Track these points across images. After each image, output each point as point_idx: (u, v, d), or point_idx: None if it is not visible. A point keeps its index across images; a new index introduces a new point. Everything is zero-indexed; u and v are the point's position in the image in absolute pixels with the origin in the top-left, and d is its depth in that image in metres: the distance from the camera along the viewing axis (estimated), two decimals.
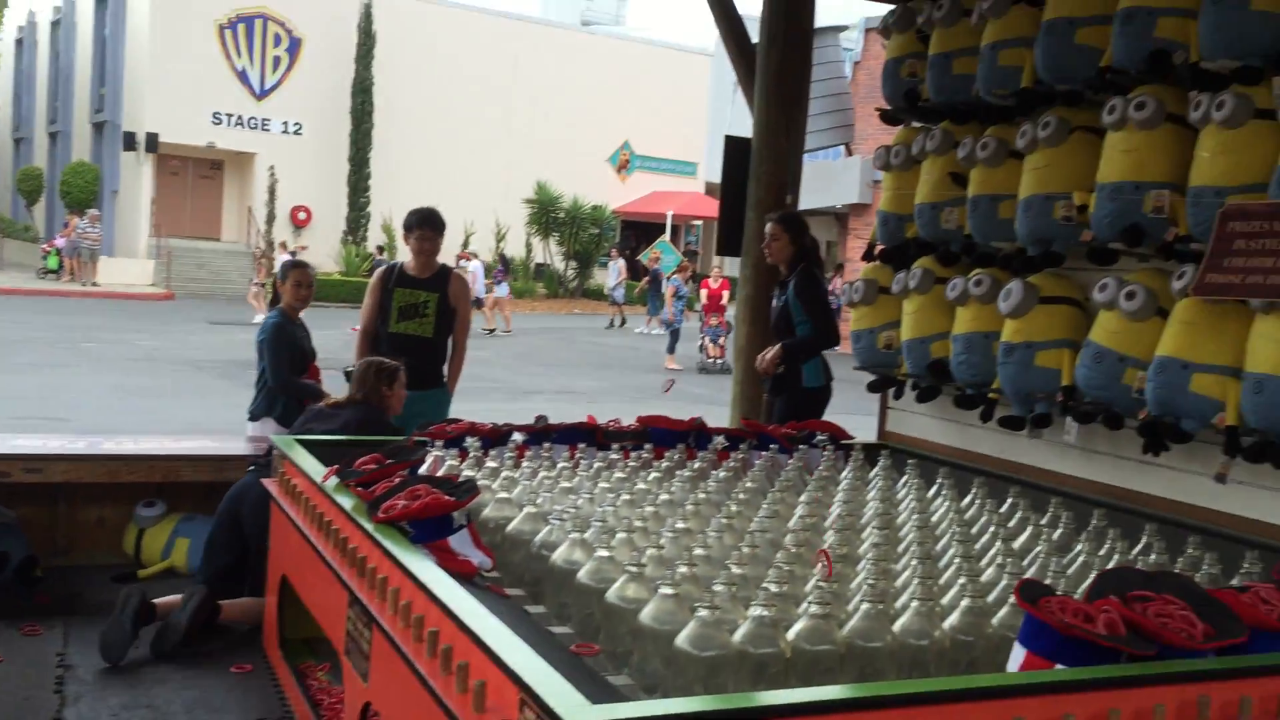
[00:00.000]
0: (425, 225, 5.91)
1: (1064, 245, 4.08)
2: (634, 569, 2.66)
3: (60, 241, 28.84)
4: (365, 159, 31.52)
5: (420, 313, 5.85)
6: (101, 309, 22.71)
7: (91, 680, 4.01)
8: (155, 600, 4.35)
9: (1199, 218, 3.51)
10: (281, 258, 21.76)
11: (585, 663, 2.56)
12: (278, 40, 31.17)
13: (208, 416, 10.73)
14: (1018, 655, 2.32)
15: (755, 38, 6.45)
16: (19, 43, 37.71)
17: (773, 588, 2.51)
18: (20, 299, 23.62)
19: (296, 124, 31.49)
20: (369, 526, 3.07)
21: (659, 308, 24.89)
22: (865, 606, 2.49)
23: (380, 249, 27.75)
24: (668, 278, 21.83)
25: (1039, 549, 3.16)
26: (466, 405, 6.28)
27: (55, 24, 35.49)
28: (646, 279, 25.62)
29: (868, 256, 5.18)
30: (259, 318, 21.96)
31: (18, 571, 4.84)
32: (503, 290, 23.56)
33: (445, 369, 6.02)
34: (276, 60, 31.25)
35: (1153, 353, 3.60)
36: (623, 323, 25.90)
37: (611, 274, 27.44)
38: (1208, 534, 3.45)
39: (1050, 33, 4.07)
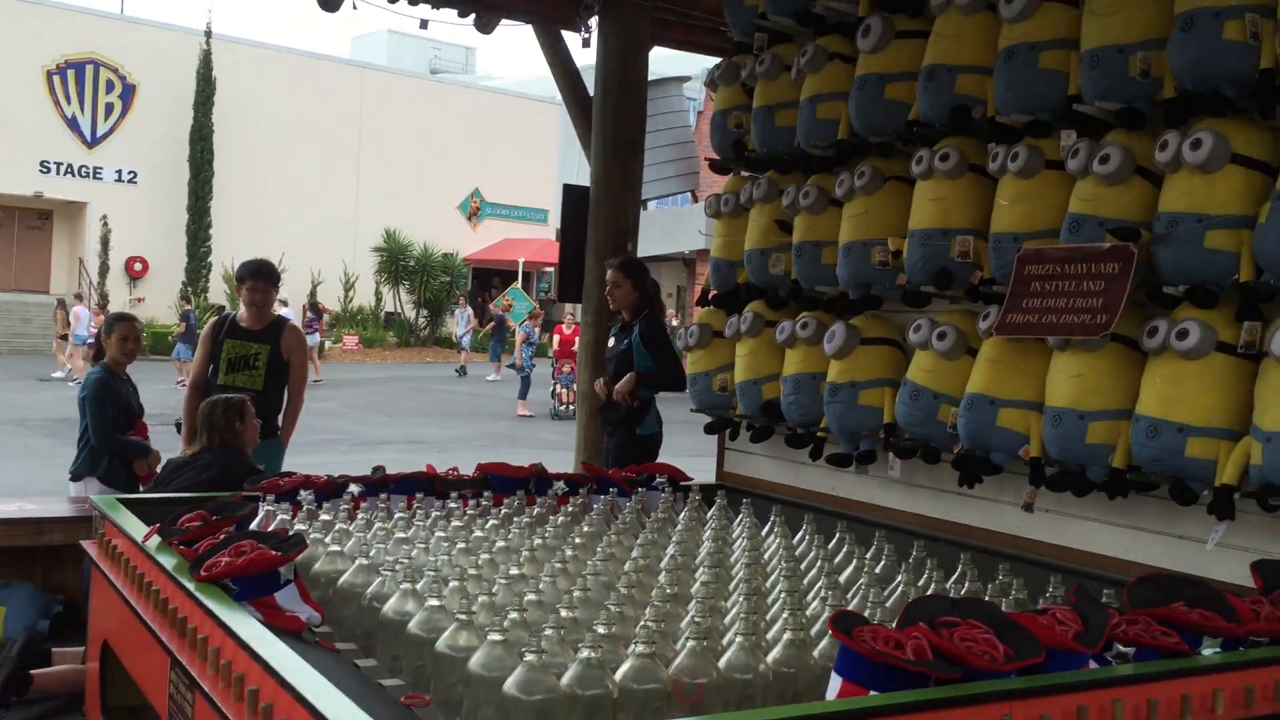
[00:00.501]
0: (257, 276, 5.84)
1: (882, 289, 4.27)
2: (464, 617, 2.66)
3: None
4: (205, 208, 30.71)
5: (250, 365, 5.77)
6: None
7: None
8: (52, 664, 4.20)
9: (1000, 261, 3.72)
10: (75, 309, 20.99)
11: (416, 714, 2.55)
12: (110, 86, 30.20)
13: (33, 477, 10.23)
14: (835, 684, 2.41)
15: (592, 89, 6.58)
16: None
17: (600, 629, 2.54)
18: None
19: (131, 172, 30.50)
20: (190, 586, 3.00)
21: (501, 352, 24.85)
22: (690, 644, 2.55)
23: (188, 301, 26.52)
24: (519, 324, 21.84)
25: (862, 581, 3.27)
26: (310, 458, 6.17)
27: None
28: (491, 324, 25.60)
29: (702, 301, 5.31)
30: (59, 373, 21.09)
31: None
32: (313, 339, 23.17)
33: (280, 419, 5.92)
34: (109, 107, 30.26)
35: (964, 389, 3.79)
36: (463, 371, 25.73)
37: (460, 321, 27.34)
38: (1018, 560, 3.64)
39: (862, 88, 4.27)
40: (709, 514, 4.23)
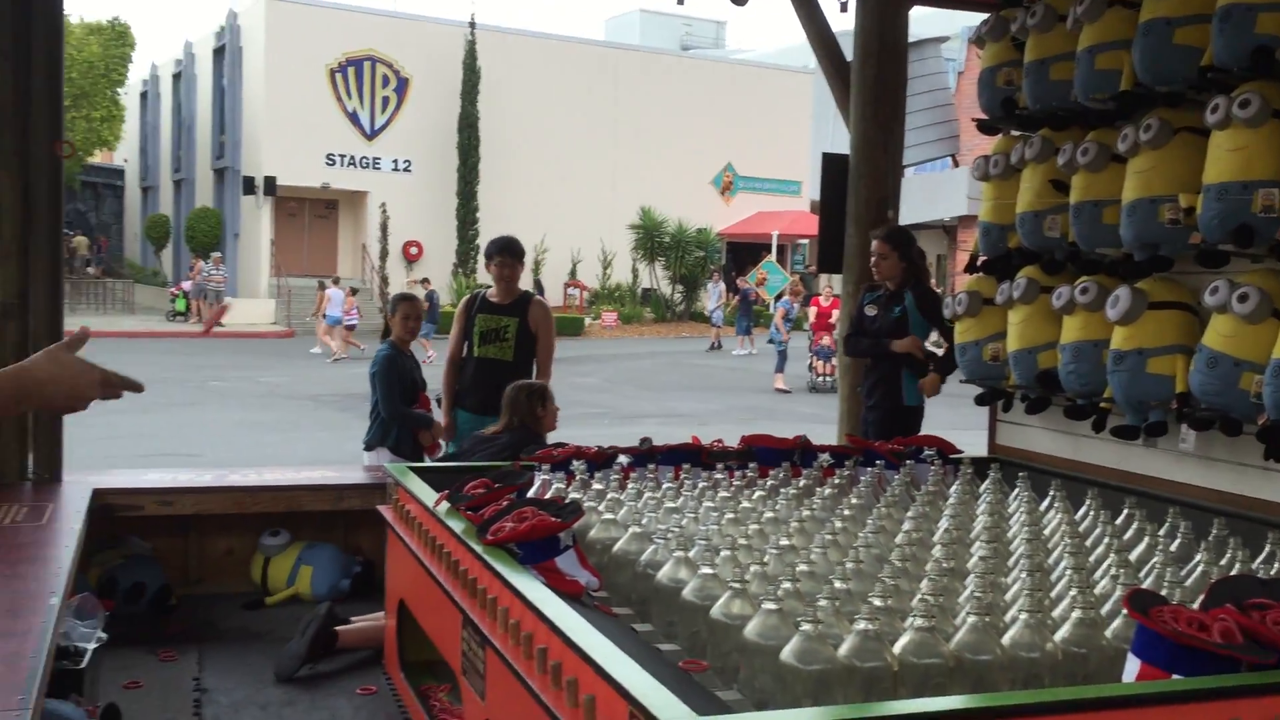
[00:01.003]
0: (504, 253, 6.11)
1: (1172, 249, 3.99)
2: (738, 586, 2.69)
3: (187, 285, 30.06)
4: (473, 192, 32.18)
5: (501, 337, 6.03)
6: (226, 348, 23.58)
7: (227, 704, 4.18)
8: (353, 621, 4.63)
9: None
10: (328, 290, 22.37)
11: (694, 679, 2.60)
12: (386, 81, 32.10)
13: (328, 448, 11.06)
14: (1132, 667, 2.28)
15: (850, 54, 6.46)
16: (144, 96, 39.49)
17: (877, 601, 2.51)
18: (150, 341, 24.66)
19: (406, 161, 32.33)
20: (479, 549, 3.16)
21: (748, 328, 24.82)
22: (971, 620, 2.48)
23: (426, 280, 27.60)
24: (776, 299, 21.75)
25: (1155, 560, 3.09)
26: (575, 431, 6.37)
27: (176, 76, 37.10)
28: (736, 299, 25.63)
29: (970, 268, 5.13)
30: (316, 349, 22.59)
31: (154, 600, 5.08)
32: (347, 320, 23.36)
33: None
34: (385, 100, 32.17)
35: (1269, 356, 3.50)
36: (718, 345, 25.88)
37: (712, 296, 27.49)
38: None
39: (1148, 34, 3.99)
40: (982, 487, 4.09)
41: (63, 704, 3.46)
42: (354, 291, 23.29)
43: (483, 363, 6.03)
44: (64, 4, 5.19)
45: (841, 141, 6.63)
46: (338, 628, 4.61)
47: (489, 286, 6.31)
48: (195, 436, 12.07)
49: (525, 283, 6.33)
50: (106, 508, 4.88)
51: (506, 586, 2.86)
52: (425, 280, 26.28)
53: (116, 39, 31.48)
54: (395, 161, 32.30)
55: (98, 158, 37.52)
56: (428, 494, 3.88)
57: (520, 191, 32.51)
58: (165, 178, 38.55)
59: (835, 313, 18.51)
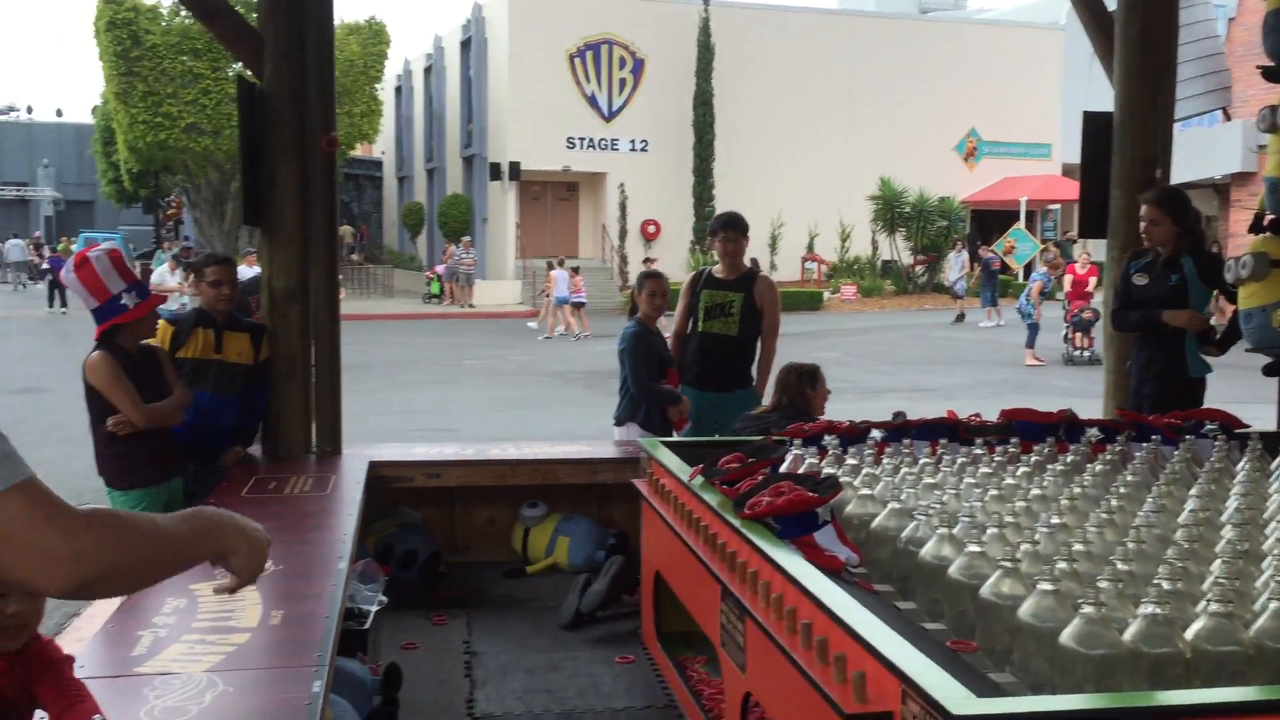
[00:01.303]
0: (729, 228, 6.08)
1: None
2: (1009, 564, 2.59)
3: (440, 268, 31.58)
4: (709, 169, 32.31)
5: (726, 312, 6.01)
6: (478, 328, 24.64)
7: (495, 667, 4.38)
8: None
9: None
10: (554, 272, 22.91)
11: (963, 659, 2.52)
12: (623, 63, 32.61)
13: (576, 423, 11.39)
14: None
15: (1112, 5, 6.07)
16: (398, 90, 41.63)
17: (1165, 584, 2.37)
18: (409, 322, 26.06)
19: (643, 141, 32.79)
20: (736, 523, 3.18)
21: (993, 298, 23.81)
22: (1274, 605, 2.30)
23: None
24: (1025, 269, 20.78)
25: None
26: None
27: (428, 70, 38.91)
28: (979, 269, 24.62)
29: (1255, 228, 4.75)
30: (532, 324, 23.20)
31: (424, 567, 5.37)
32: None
33: (753, 370, 6.13)
34: (622, 82, 32.69)
35: None
36: (961, 317, 24.99)
37: (954, 267, 26.54)
38: None
39: None
40: (1274, 465, 3.78)
41: (351, 662, 3.71)
42: (576, 271, 23.88)
43: (707, 338, 6.03)
44: (333, 6, 5.51)
45: (1098, 99, 6.25)
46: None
47: (716, 263, 6.31)
48: (453, 412, 12.68)
49: (755, 257, 6.28)
50: (381, 479, 5.19)
51: (767, 560, 2.86)
52: (648, 259, 26.64)
53: (373, 37, 33.28)
54: (633, 142, 32.81)
55: (358, 151, 39.83)
56: (681, 468, 3.93)
57: (756, 166, 32.40)
58: (419, 167, 40.54)
59: (1092, 280, 17.58)
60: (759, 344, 6.12)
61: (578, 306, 23.18)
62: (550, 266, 24.15)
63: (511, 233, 32.47)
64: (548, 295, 23.45)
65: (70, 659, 2.29)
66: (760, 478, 3.44)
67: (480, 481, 5.47)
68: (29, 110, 65.10)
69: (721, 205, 31.46)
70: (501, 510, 5.77)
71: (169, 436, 4.65)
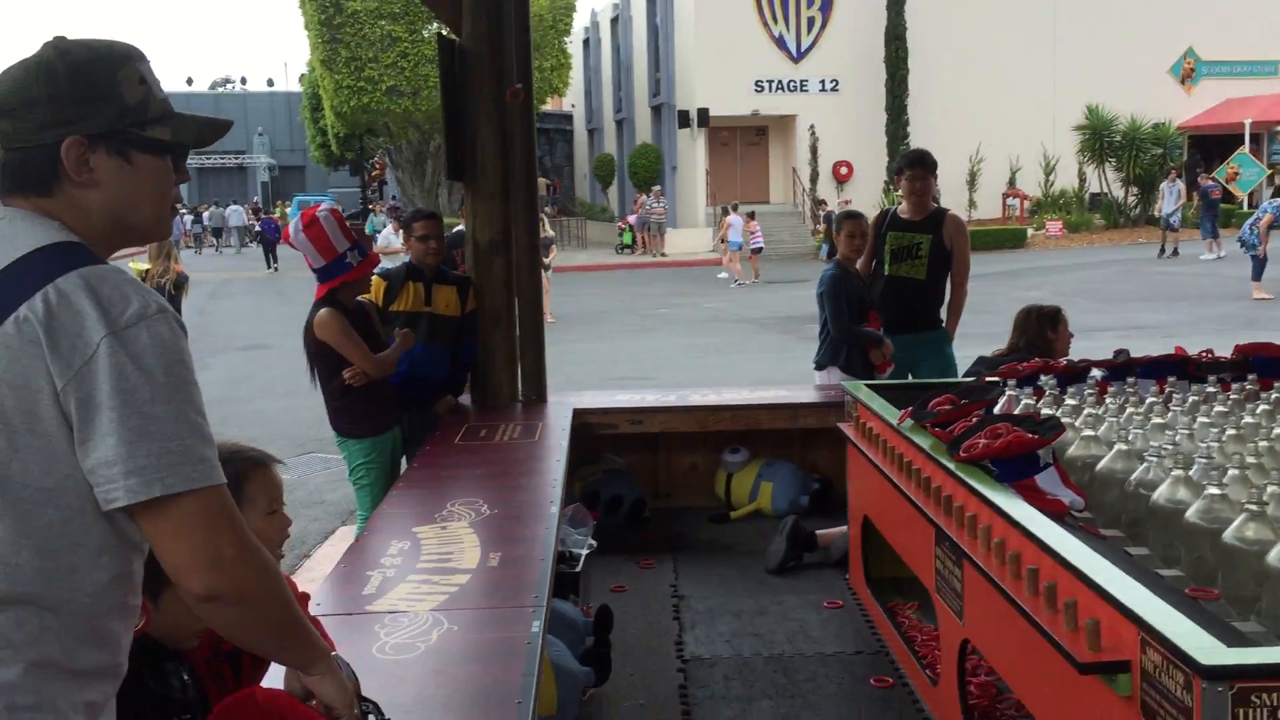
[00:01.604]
0: (915, 166, 5.83)
1: None
2: (1254, 508, 2.41)
3: (631, 218, 31.84)
4: (902, 106, 31.35)
5: (913, 255, 5.78)
6: (670, 277, 24.76)
7: (702, 610, 4.41)
8: (818, 531, 4.87)
9: None
10: (729, 218, 22.65)
11: (1204, 607, 2.38)
12: (810, 2, 31.89)
13: (773, 369, 11.32)
14: None
15: None
16: (585, 43, 41.95)
17: None
18: (603, 274, 26.42)
19: (833, 81, 32.07)
20: (951, 465, 3.08)
21: (1213, 229, 22.27)
22: None
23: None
24: (1249, 196, 19.36)
25: None
26: None
27: (614, 21, 39.03)
28: (1197, 200, 23.03)
29: None
30: (723, 274, 23.00)
31: (630, 512, 5.45)
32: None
33: (943, 312, 5.89)
34: (810, 21, 31.99)
35: None
36: (1174, 252, 23.49)
37: (1169, 198, 24.90)
38: None
39: None
40: None
41: (564, 603, 3.80)
42: (752, 216, 23.64)
43: (894, 281, 5.82)
44: None
45: None
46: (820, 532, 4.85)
47: (899, 204, 6.08)
48: (649, 360, 12.79)
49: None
50: (586, 426, 5.28)
51: (986, 504, 2.77)
52: (823, 202, 26.10)
53: None
54: (822, 82, 32.12)
55: (549, 105, 40.41)
56: (889, 411, 3.84)
57: (952, 101, 31.23)
58: (608, 118, 40.84)
59: None
60: (948, 285, 5.90)
61: (755, 252, 23.04)
62: (725, 212, 24.06)
63: (701, 180, 32.39)
64: (724, 241, 23.36)
65: (306, 596, 2.41)
66: (975, 420, 3.32)
67: (683, 428, 5.49)
68: (243, 81, 69.05)
69: (916, 143, 30.51)
70: (704, 456, 5.79)
71: (389, 388, 4.84)
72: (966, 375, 4.85)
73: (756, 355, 12.92)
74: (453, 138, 5.26)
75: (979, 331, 9.27)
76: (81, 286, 1.38)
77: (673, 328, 15.92)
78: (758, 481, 5.59)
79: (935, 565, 3.23)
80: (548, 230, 17.67)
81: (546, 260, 17.21)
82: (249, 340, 15.58)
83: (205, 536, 1.40)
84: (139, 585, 1.53)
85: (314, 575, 5.20)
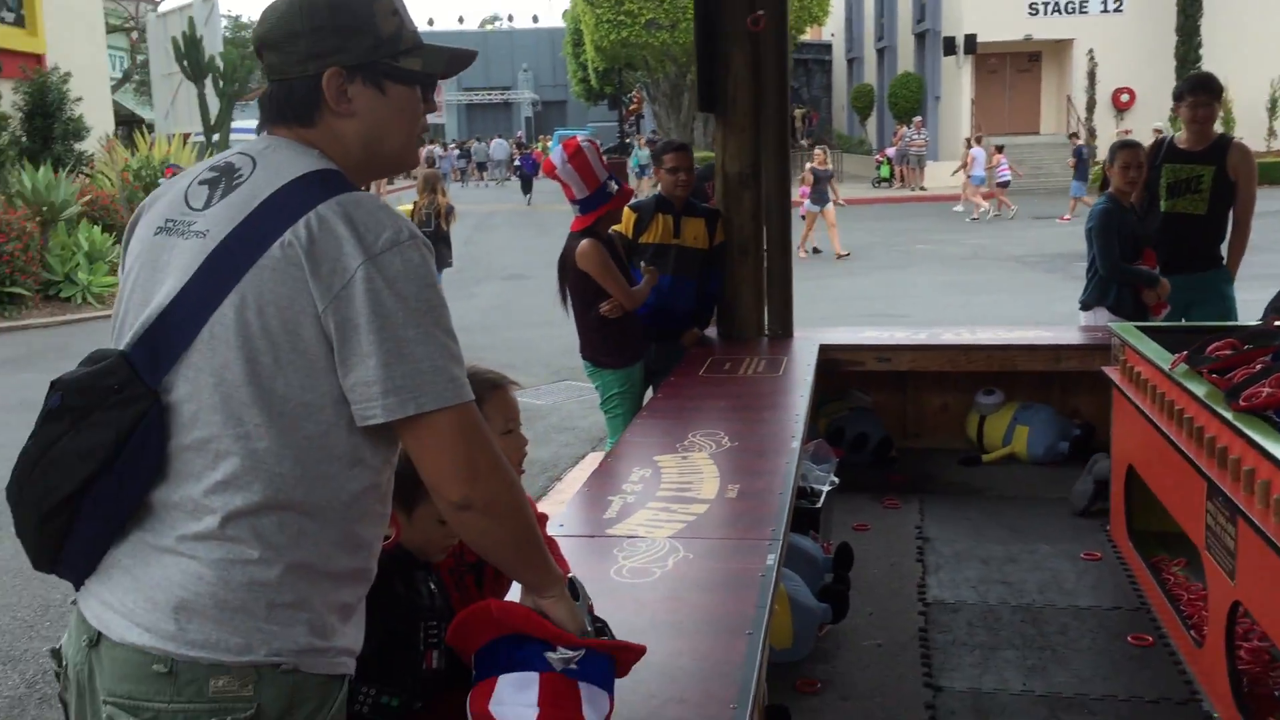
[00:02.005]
0: (1198, 90, 5.29)
1: None
2: None
3: (890, 151, 30.94)
4: (1194, 27, 28.88)
5: (1193, 188, 5.26)
6: (929, 211, 23.95)
7: (948, 554, 4.29)
8: None
9: None
10: (972, 150, 21.39)
11: None
12: None
13: (1036, 309, 10.79)
14: None
15: None
16: None
17: None
18: (859, 207, 25.79)
19: (1116, 1, 29.89)
20: (1228, 415, 2.84)
21: None
22: None
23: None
24: None
25: None
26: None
27: None
28: None
29: None
30: (958, 207, 21.80)
31: (876, 451, 5.34)
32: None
33: (1223, 249, 5.36)
34: None
35: None
36: None
37: None
38: None
39: None
40: None
41: (804, 539, 3.78)
42: (1000, 149, 22.43)
43: (1171, 218, 5.32)
44: None
45: None
46: None
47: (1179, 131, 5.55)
48: (903, 298, 12.46)
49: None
50: (831, 362, 5.19)
51: (1267, 458, 2.54)
52: (1074, 135, 24.34)
53: None
54: (1104, 3, 29.99)
55: (807, 35, 39.61)
56: (1161, 355, 3.58)
57: (1252, 20, 28.51)
58: (868, 47, 39.67)
59: None
60: (1229, 220, 5.39)
61: (1001, 185, 21.95)
62: (968, 145, 23.00)
63: (966, 110, 31.03)
64: (966, 173, 22.34)
65: (544, 517, 2.49)
66: (1259, 367, 3.05)
67: (932, 367, 5.31)
68: (510, 19, 71.31)
69: (1209, 66, 28.11)
70: (956, 396, 5.59)
71: (638, 320, 4.89)
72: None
73: (1019, 294, 12.36)
74: (704, 68, 5.22)
75: (1264, 272, 8.52)
76: (339, 213, 1.44)
77: (930, 264, 15.42)
78: (1013, 425, 5.35)
79: (1206, 521, 3.00)
80: (827, 164, 17.42)
81: (831, 195, 16.99)
82: (510, 270, 16.21)
83: (461, 449, 1.46)
84: (388, 496, 1.61)
85: (563, 498, 5.38)
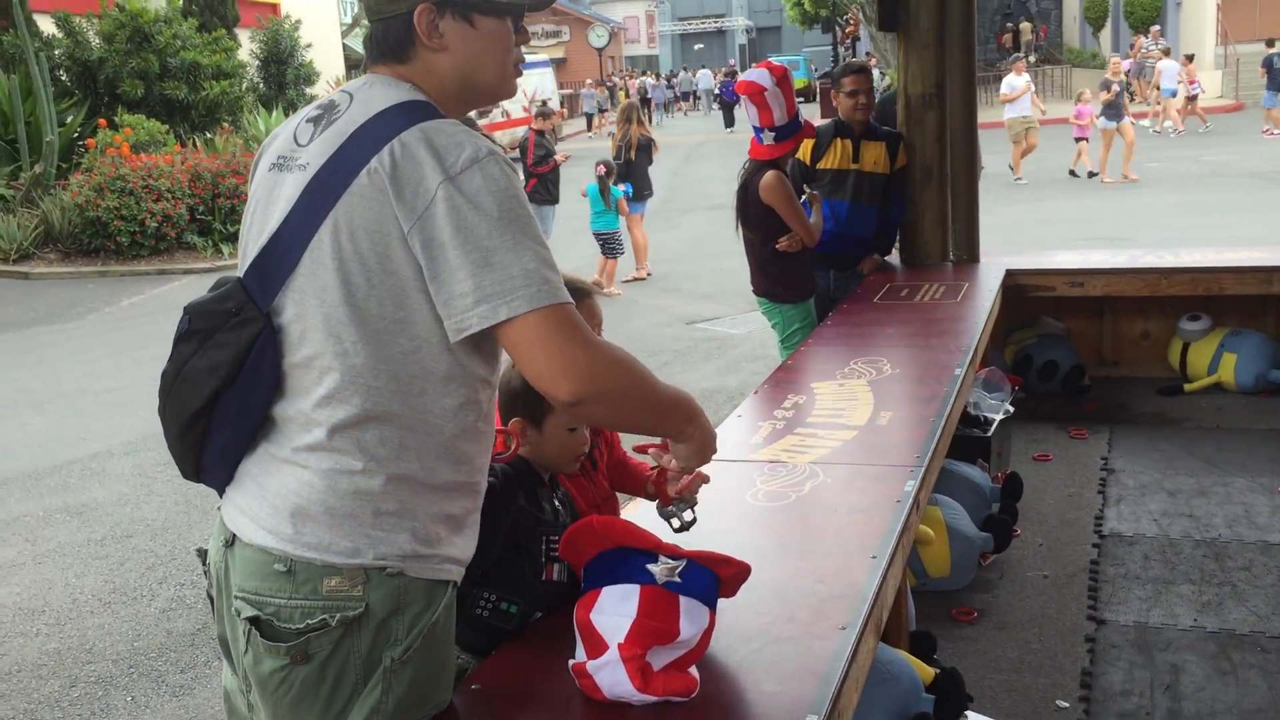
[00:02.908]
0: None
1: None
2: None
3: (1126, 64, 28.99)
4: None
5: None
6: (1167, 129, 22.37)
7: (1133, 486, 4.12)
8: None
9: None
10: (1160, 63, 19.58)
11: None
12: None
13: (1274, 230, 10.02)
14: None
15: None
16: None
17: None
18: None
19: None
20: None
21: None
22: None
23: None
24: None
25: None
26: None
27: None
28: None
29: None
30: (1145, 121, 20.03)
31: (1066, 379, 5.14)
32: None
33: None
34: None
35: None
36: None
37: None
38: None
39: None
40: None
41: (971, 468, 3.72)
42: (1190, 59, 20.53)
43: None
44: None
45: None
46: None
47: None
48: (1128, 221, 11.78)
49: None
50: (1019, 288, 5.01)
51: None
52: (1270, 41, 21.90)
53: None
54: None
55: None
56: None
57: None
58: None
59: None
60: None
61: (1191, 99, 20.25)
62: (1162, 55, 21.29)
63: (1211, 15, 28.70)
64: (1156, 88, 20.65)
65: None
66: None
67: (1130, 291, 5.05)
68: None
69: None
70: (1158, 323, 5.31)
71: (810, 253, 4.77)
72: None
73: (1258, 214, 11.47)
74: None
75: None
76: (421, 139, 1.52)
77: (1162, 184, 14.49)
78: (1220, 352, 5.04)
79: None
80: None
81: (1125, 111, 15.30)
82: (715, 201, 16.22)
83: (559, 348, 1.50)
84: (489, 414, 1.70)
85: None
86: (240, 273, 1.64)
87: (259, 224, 1.64)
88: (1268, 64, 20.12)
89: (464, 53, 1.65)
